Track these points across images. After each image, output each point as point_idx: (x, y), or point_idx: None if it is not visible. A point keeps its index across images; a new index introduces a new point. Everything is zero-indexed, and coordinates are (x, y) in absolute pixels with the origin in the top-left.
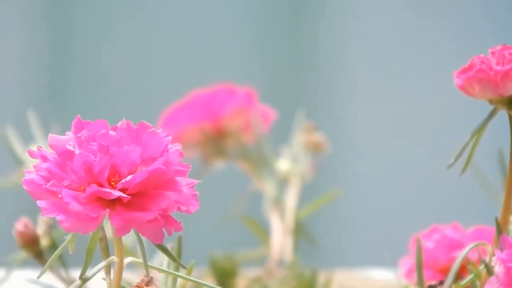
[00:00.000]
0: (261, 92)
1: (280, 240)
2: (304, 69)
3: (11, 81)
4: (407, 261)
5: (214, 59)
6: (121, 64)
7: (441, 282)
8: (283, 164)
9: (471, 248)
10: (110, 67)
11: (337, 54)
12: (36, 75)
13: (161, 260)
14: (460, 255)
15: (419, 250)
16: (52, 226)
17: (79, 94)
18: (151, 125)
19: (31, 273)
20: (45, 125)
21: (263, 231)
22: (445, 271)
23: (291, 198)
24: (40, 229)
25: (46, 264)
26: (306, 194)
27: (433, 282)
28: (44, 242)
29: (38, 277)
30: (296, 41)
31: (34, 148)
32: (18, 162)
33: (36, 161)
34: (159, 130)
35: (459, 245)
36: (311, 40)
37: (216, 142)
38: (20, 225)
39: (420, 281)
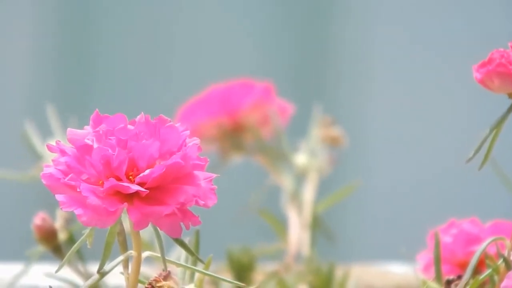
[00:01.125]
0: (278, 87)
1: (297, 234)
2: (322, 64)
3: (28, 76)
4: (425, 255)
5: (232, 53)
6: (138, 59)
7: (459, 277)
8: (300, 158)
9: (490, 243)
10: (127, 61)
11: (355, 48)
12: (53, 70)
13: (178, 254)
14: (478, 250)
15: (437, 244)
16: (70, 220)
17: (95, 89)
18: (169, 119)
19: (49, 267)
20: (62, 119)
21: (281, 225)
22: (463, 266)
23: (308, 192)
24: (58, 223)
25: (65, 259)
26: (324, 188)
27: (451, 277)
28: (62, 236)
29: (56, 271)
30: (314, 35)
31: (52, 142)
32: (37, 157)
33: (55, 155)
34: (177, 125)
35: (477, 240)
36: (330, 34)
37: (234, 136)
38: (38, 219)
39: (438, 275)
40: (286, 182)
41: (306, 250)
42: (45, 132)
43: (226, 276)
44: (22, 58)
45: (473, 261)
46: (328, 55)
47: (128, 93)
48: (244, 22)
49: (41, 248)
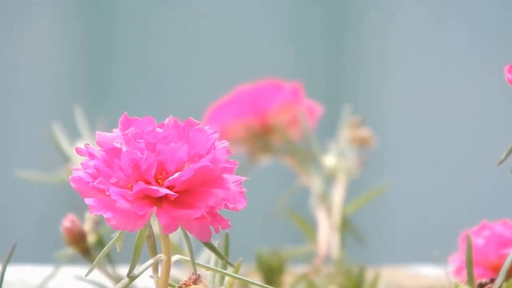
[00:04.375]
0: (307, 87)
1: (327, 237)
2: (351, 65)
3: (54, 78)
4: (457, 258)
5: (260, 54)
6: (164, 60)
7: (492, 280)
8: (329, 160)
9: None
10: (154, 63)
11: (383, 49)
12: (79, 71)
13: (207, 257)
14: (511, 253)
15: (469, 247)
16: (98, 223)
17: (122, 91)
18: (198, 122)
19: (78, 270)
20: (88, 121)
21: (310, 227)
22: (495, 269)
23: (337, 194)
24: (87, 226)
25: (94, 262)
26: (353, 189)
27: (483, 280)
28: (90, 238)
29: (87, 275)
30: (343, 37)
31: (80, 144)
32: (65, 159)
33: (83, 158)
34: (206, 127)
35: (509, 242)
36: (358, 35)
37: (262, 138)
38: (67, 221)
39: (470, 278)
40: (315, 183)
41: (335, 252)
42: (71, 133)
43: (255, 279)
44: (47, 59)
45: (507, 264)
46: (358, 56)
47: (154, 95)
48: (271, 24)
49: (70, 251)
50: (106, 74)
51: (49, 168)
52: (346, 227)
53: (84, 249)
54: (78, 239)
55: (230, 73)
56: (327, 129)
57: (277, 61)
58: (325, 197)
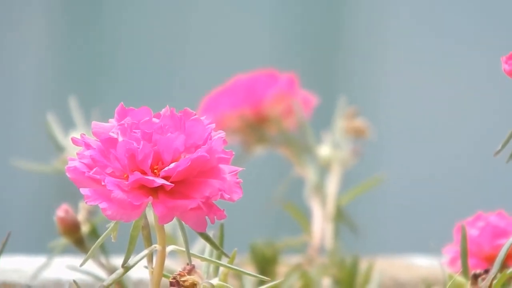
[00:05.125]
0: (302, 78)
1: (321, 227)
2: (346, 55)
3: (46, 67)
4: (451, 249)
5: (255, 45)
6: (160, 50)
7: (486, 271)
8: (324, 150)
9: None
10: (147, 53)
11: (379, 38)
12: (70, 61)
13: (201, 247)
14: (506, 243)
15: (464, 238)
16: (92, 213)
17: (116, 81)
18: (194, 112)
19: (72, 260)
20: (82, 111)
21: (304, 217)
22: (490, 259)
23: (332, 185)
24: (81, 216)
25: (89, 253)
26: (348, 180)
27: (478, 271)
28: (84, 228)
29: (81, 265)
30: (339, 28)
31: (74, 134)
32: (59, 149)
33: (78, 148)
34: (203, 118)
35: (504, 233)
36: (352, 24)
37: (257, 128)
38: (61, 211)
39: (465, 269)
40: (309, 174)
41: (329, 242)
42: (65, 123)
43: (249, 269)
44: (37, 51)
45: (501, 255)
46: (354, 47)
47: (145, 85)
48: (267, 15)
49: (63, 241)
50: (99, 64)
51: (42, 158)
52: (341, 217)
53: (77, 239)
54: (71, 229)
55: (222, 63)
56: (322, 120)
57: (270, 51)
58: (319, 188)
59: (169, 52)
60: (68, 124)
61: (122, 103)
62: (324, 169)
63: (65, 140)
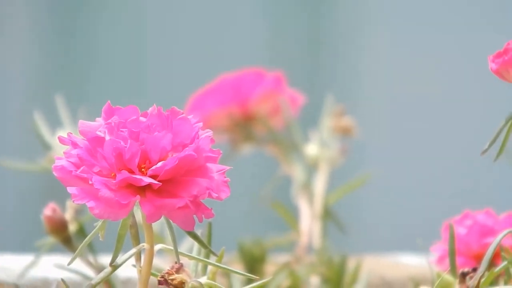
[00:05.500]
0: (289, 77)
1: (308, 226)
2: (334, 55)
3: (32, 65)
4: (439, 247)
5: (242, 43)
6: (146, 48)
7: (474, 269)
8: (311, 149)
9: (505, 235)
10: (135, 52)
11: (361, 37)
12: (51, 57)
13: (189, 246)
14: (493, 242)
15: (451, 236)
16: (80, 211)
17: (102, 79)
18: (181, 111)
19: (59, 259)
20: (68, 109)
21: (292, 216)
22: (477, 258)
23: (320, 183)
24: (68, 214)
25: (77, 251)
26: (335, 179)
27: (466, 269)
28: (72, 227)
29: (69, 264)
30: (327, 27)
31: (61, 133)
32: (46, 147)
33: (63, 147)
34: (190, 116)
35: (491, 232)
36: (341, 24)
37: (244, 126)
38: (48, 210)
39: (453, 268)
40: (297, 172)
41: (317, 241)
42: (50, 122)
43: (237, 267)
44: (22, 50)
45: (489, 254)
46: (341, 46)
47: (136, 83)
48: (248, 12)
49: (51, 239)
50: (86, 61)
51: (28, 157)
52: (328, 216)
53: (65, 237)
54: (59, 227)
55: (207, 63)
56: (310, 118)
57: (255, 50)
58: (307, 186)
59: (154, 51)
60: (55, 123)
61: (109, 101)
62: (311, 167)
63: (52, 139)
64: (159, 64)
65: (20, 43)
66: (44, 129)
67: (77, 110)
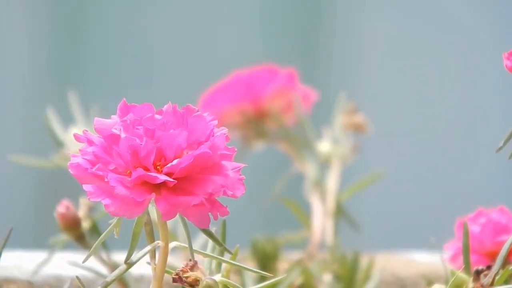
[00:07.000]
0: (302, 73)
1: (321, 223)
2: (346, 52)
3: (33, 64)
4: (453, 245)
5: (254, 41)
6: (150, 46)
7: (489, 267)
8: (324, 146)
9: None
10: (150, 49)
11: (366, 36)
12: (58, 58)
13: (202, 243)
14: (508, 240)
15: (466, 234)
16: (93, 209)
17: (106, 76)
18: (196, 108)
19: (72, 256)
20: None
21: (304, 213)
22: (491, 256)
23: (332, 180)
24: (81, 212)
25: (92, 249)
26: (348, 176)
27: (480, 267)
28: (85, 224)
29: (84, 261)
30: (337, 23)
31: (74, 130)
32: (58, 144)
33: (76, 144)
34: (205, 114)
35: (505, 229)
36: (349, 22)
37: (257, 123)
38: (61, 207)
39: (467, 265)
40: (309, 169)
41: (330, 238)
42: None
43: (250, 265)
44: (22, 47)
45: (503, 252)
46: (351, 43)
47: (148, 81)
48: (265, 11)
49: (64, 237)
50: (88, 59)
51: (40, 153)
52: (341, 213)
53: (78, 235)
54: (72, 225)
55: (215, 60)
56: (322, 115)
57: (266, 48)
58: (319, 183)
59: (159, 48)
60: (63, 120)
61: (124, 99)
62: (324, 164)
63: (64, 136)
64: (165, 62)
65: (21, 38)
66: (56, 126)
67: (83, 107)
